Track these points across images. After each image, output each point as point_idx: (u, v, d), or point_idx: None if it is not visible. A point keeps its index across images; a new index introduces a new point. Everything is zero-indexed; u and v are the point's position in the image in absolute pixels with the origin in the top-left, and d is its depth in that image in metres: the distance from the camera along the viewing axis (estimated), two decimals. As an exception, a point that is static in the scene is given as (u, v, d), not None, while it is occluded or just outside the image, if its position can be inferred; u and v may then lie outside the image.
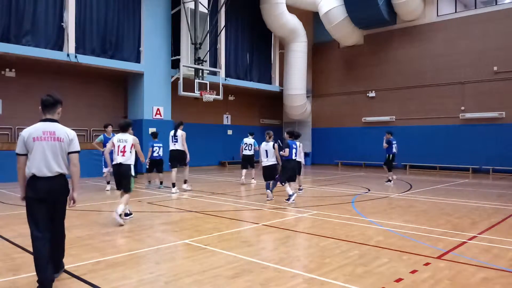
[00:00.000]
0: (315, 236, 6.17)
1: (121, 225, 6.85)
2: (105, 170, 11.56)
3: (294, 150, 9.54)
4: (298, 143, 10.60)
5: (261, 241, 5.97)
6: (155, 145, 12.00)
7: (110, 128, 11.70)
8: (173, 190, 10.98)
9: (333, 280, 4.20)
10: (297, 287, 4.03)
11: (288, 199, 9.30)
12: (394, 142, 13.77)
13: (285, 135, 9.66)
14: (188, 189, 11.55)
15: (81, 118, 16.52)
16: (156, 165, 12.22)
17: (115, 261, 4.83)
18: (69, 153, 4.13)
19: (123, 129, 7.50)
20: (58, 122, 4.18)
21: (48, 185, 3.97)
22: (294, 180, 9.77)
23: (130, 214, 7.57)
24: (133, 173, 7.33)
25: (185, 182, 11.68)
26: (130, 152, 7.29)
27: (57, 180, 4.04)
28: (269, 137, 9.84)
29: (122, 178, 7.28)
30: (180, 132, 11.13)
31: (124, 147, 7.27)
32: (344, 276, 4.31)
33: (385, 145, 13.65)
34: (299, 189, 11.30)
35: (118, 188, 7.54)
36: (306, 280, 4.20)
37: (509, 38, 17.57)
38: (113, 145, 7.39)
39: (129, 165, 7.26)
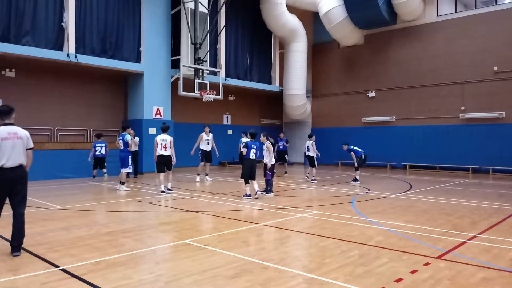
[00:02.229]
0: (315, 236, 6.17)
1: (169, 190, 10.96)
2: (126, 170, 11.88)
3: (253, 150, 10.08)
4: (311, 142, 14.15)
5: (261, 241, 5.97)
6: (97, 145, 13.77)
7: (129, 129, 12.87)
8: (207, 178, 14.33)
9: (333, 280, 4.20)
10: (297, 287, 4.03)
11: (245, 195, 10.04)
12: (354, 147, 14.00)
13: (247, 135, 10.56)
14: (209, 180, 14.18)
15: (81, 118, 16.51)
16: (99, 162, 14.00)
17: (115, 261, 4.83)
18: (27, 149, 5.27)
19: (164, 131, 11.00)
20: (15, 125, 5.26)
21: (13, 174, 5.10)
22: (254, 178, 10.20)
23: (171, 190, 11.04)
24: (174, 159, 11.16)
25: (206, 174, 14.40)
26: (170, 147, 10.88)
27: (19, 169, 5.16)
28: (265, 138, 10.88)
29: (168, 164, 11.04)
30: (209, 135, 14.21)
31: (165, 144, 10.89)
32: (344, 276, 4.31)
33: (354, 157, 13.75)
34: (313, 180, 13.90)
35: (161, 171, 11.00)
36: (306, 280, 4.20)
37: (509, 38, 17.56)
38: (157, 143, 10.86)
39: (170, 155, 10.96)
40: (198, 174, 14.37)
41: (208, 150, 14.17)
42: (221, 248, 5.43)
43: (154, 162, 11.87)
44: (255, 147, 10.11)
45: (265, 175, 10.96)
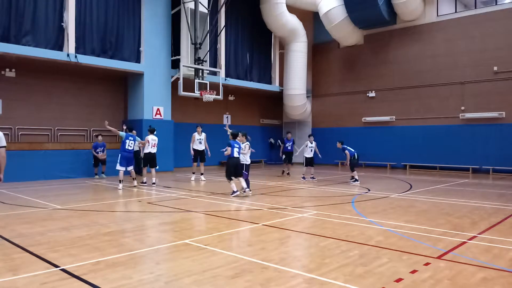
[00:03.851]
0: (315, 236, 6.17)
1: (153, 183, 12.80)
2: (131, 167, 12.40)
3: (236, 149, 10.43)
4: (313, 143, 15.30)
5: (261, 241, 5.97)
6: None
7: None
8: (202, 178, 14.63)
9: (333, 280, 4.20)
10: (297, 287, 4.03)
11: (232, 194, 10.32)
12: (348, 147, 14.14)
13: (229, 136, 10.86)
14: (203, 180, 14.44)
15: (81, 118, 16.51)
16: (100, 161, 15.43)
17: (115, 261, 4.83)
18: None
19: (152, 132, 12.96)
20: None
21: None
22: (238, 176, 10.49)
23: (154, 183, 12.82)
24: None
25: (201, 174, 14.73)
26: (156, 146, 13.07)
27: None
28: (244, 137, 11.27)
29: (153, 161, 12.97)
30: (202, 135, 14.64)
31: (155, 143, 12.97)
32: (344, 276, 4.31)
33: (347, 155, 13.75)
34: (312, 177, 14.84)
35: (145, 166, 13.12)
36: (306, 280, 4.20)
37: (509, 38, 17.56)
38: (148, 142, 12.81)
39: (155, 153, 13.03)
40: (193, 173, 14.74)
41: (201, 149, 14.48)
42: (221, 248, 5.43)
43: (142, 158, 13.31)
44: (237, 146, 10.49)
45: (241, 174, 10.91)
